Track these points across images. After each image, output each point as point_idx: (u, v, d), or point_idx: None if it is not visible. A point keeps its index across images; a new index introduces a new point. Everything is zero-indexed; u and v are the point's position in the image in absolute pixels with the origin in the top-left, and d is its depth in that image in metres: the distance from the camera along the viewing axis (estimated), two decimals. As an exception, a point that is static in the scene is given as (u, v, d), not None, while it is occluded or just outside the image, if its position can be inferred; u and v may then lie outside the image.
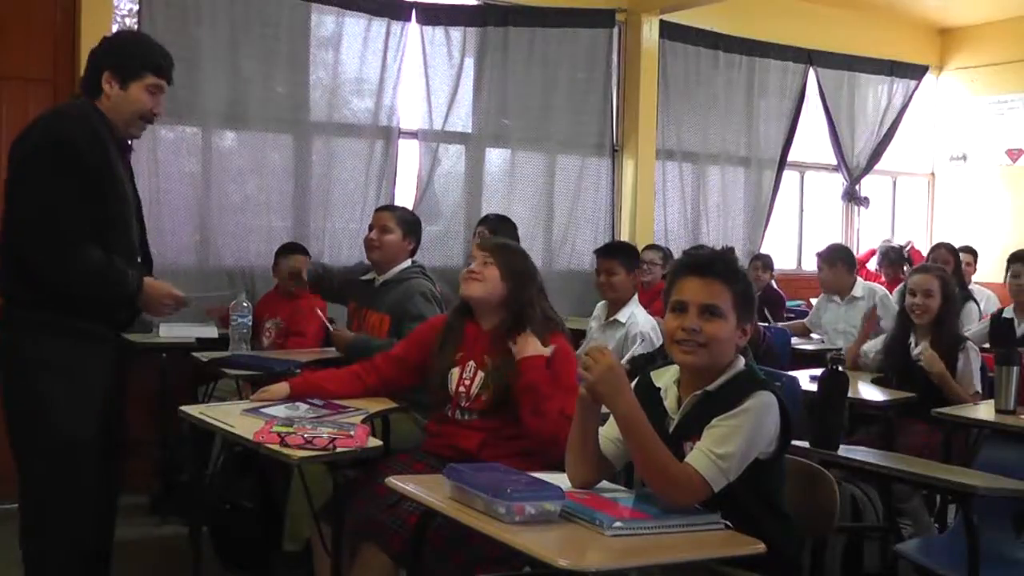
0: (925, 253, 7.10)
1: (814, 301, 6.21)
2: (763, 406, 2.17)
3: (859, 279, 5.89)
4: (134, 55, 2.92)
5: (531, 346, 2.97)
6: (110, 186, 2.84)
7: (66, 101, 2.98)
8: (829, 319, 5.83)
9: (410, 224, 4.12)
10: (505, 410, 2.97)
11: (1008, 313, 5.18)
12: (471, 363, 3.06)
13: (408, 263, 4.08)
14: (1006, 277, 5.30)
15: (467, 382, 3.04)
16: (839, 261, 5.84)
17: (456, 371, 3.07)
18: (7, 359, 2.88)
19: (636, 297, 4.65)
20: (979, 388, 4.08)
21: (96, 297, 2.85)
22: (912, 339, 4.27)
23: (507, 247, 3.23)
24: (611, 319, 4.57)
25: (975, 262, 6.90)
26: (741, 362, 2.29)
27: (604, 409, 2.22)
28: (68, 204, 2.74)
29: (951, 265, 5.83)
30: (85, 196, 2.77)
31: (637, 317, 4.51)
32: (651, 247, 6.42)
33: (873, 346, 4.66)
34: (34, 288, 2.80)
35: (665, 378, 2.35)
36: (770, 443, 2.20)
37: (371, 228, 4.11)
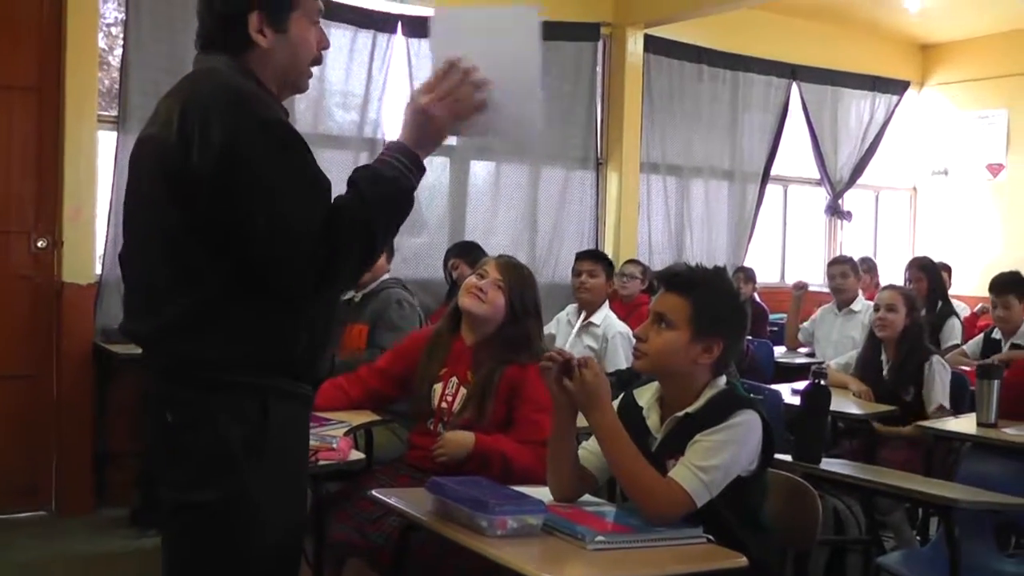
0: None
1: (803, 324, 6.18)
2: (747, 424, 2.17)
3: (860, 293, 5.94)
4: None
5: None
6: None
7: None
8: (824, 331, 5.83)
9: (391, 245, 4.31)
10: (487, 426, 2.95)
11: (996, 334, 5.25)
12: (453, 379, 3.04)
13: (386, 276, 4.25)
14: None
15: (449, 398, 3.02)
16: (855, 271, 5.91)
17: (439, 386, 3.05)
18: None
19: (608, 303, 4.83)
20: (945, 403, 4.11)
21: None
22: (883, 355, 4.36)
23: (523, 280, 3.09)
24: (586, 322, 4.71)
25: (949, 277, 6.95)
26: (721, 381, 2.28)
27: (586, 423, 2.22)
28: None
29: (923, 282, 5.88)
30: None
31: (611, 319, 4.70)
32: (632, 262, 6.41)
33: (846, 364, 4.68)
34: None
35: (647, 397, 2.35)
36: (752, 461, 2.20)
37: None
